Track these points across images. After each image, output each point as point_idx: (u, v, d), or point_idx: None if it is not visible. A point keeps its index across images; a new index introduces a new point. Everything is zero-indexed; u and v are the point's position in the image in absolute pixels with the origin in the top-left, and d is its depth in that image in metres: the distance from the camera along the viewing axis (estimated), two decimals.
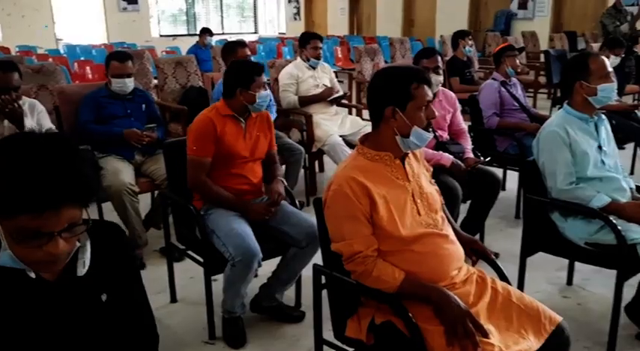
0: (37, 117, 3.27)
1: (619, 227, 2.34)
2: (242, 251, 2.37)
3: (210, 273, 2.52)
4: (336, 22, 17.70)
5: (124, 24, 17.67)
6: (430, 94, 1.82)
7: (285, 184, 2.81)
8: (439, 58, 3.44)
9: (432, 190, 1.94)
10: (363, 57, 6.76)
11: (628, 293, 2.55)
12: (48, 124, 3.32)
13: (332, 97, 4.69)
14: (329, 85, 4.81)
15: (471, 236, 2.08)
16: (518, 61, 4.25)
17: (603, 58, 2.56)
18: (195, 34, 19.39)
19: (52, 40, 16.67)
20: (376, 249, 1.76)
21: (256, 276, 3.11)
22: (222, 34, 20.01)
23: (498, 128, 4.06)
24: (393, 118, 1.79)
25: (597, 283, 3.05)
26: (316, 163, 4.98)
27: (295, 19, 19.34)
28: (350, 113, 5.17)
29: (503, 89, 4.12)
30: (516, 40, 8.76)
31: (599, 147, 2.57)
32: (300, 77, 4.70)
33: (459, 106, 3.60)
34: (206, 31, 8.41)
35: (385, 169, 1.82)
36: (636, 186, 2.68)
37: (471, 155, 3.41)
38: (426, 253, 1.78)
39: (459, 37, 5.90)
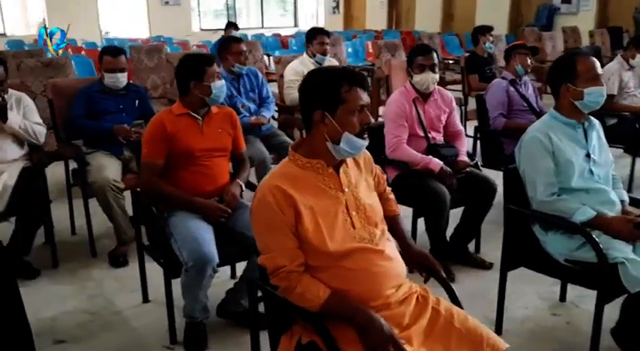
0: (24, 111, 3.28)
1: (601, 245, 2.15)
2: (195, 256, 2.29)
3: (170, 276, 2.45)
4: (374, 15, 17.45)
5: (166, 18, 17.91)
6: (365, 97, 1.67)
7: (244, 188, 2.72)
8: (435, 56, 3.26)
9: (372, 201, 1.79)
10: (382, 52, 6.59)
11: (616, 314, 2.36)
12: (35, 118, 3.32)
13: None
14: None
15: (422, 250, 1.93)
16: (529, 60, 4.02)
17: (593, 59, 2.35)
18: (236, 28, 19.63)
19: (97, 34, 17.06)
20: (302, 264, 1.64)
21: (234, 278, 3.06)
22: (262, 28, 20.10)
23: (505, 130, 3.85)
24: (323, 123, 1.66)
25: (592, 301, 2.81)
26: None
27: (334, 12, 19.18)
28: None
29: (512, 88, 3.91)
30: (551, 36, 8.36)
31: (588, 155, 2.37)
32: (305, 73, 4.56)
33: (455, 107, 3.41)
34: (231, 26, 8.38)
35: (317, 178, 1.69)
36: (630, 198, 2.46)
37: (465, 158, 3.23)
38: (357, 270, 1.65)
39: (478, 32, 5.65)
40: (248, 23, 20.62)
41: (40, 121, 3.36)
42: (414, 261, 1.90)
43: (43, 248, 3.42)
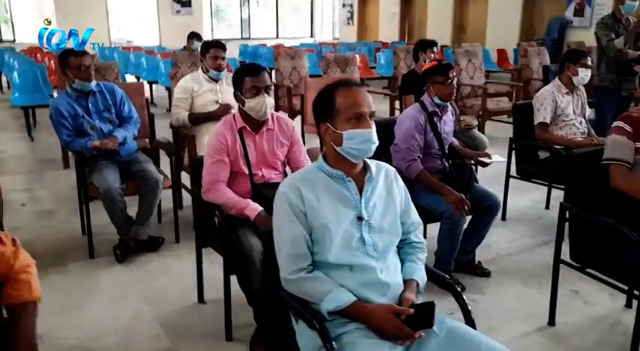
0: None
1: (348, 346, 1.55)
2: None
3: None
4: (387, 26, 16.87)
5: (177, 27, 17.77)
6: None
7: None
8: (267, 77, 2.71)
9: None
10: (331, 67, 6.03)
11: None
12: None
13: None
14: (233, 100, 4.14)
15: None
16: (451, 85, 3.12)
17: (360, 91, 1.73)
18: (249, 38, 19.39)
19: (107, 41, 17.09)
20: None
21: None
22: (277, 38, 19.77)
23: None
24: None
25: None
26: None
27: (348, 23, 18.71)
28: None
29: (421, 121, 3.15)
30: (539, 52, 7.58)
31: (360, 218, 1.76)
32: (195, 91, 4.07)
33: (299, 139, 2.82)
34: (194, 36, 7.97)
35: None
36: (429, 272, 1.84)
37: None
38: None
39: (419, 48, 4.97)
40: (261, 33, 20.36)
41: None
42: None
43: None
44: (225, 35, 19.78)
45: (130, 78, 10.47)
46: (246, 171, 2.66)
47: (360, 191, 1.78)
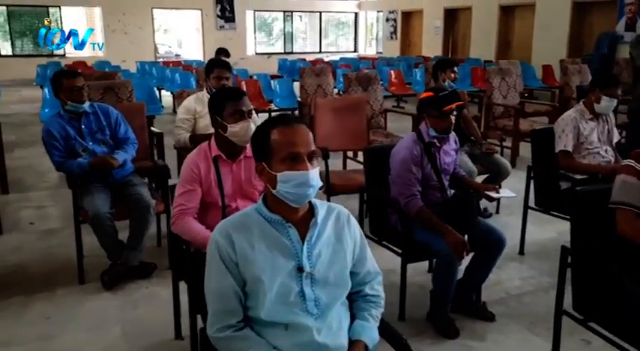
0: None
1: None
2: None
3: None
4: (430, 41, 16.55)
5: (220, 42, 18.06)
6: None
7: None
8: (248, 101, 2.56)
9: None
10: (352, 86, 5.83)
11: None
12: None
13: None
14: None
15: None
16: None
17: (299, 127, 1.54)
18: (291, 53, 19.45)
19: (152, 56, 17.51)
20: None
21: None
22: (320, 52, 19.76)
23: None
24: None
25: None
26: None
27: (392, 38, 18.48)
28: None
29: (416, 152, 2.93)
30: (581, 70, 7.17)
31: (300, 269, 1.56)
32: (199, 112, 3.98)
33: None
34: (221, 52, 7.95)
35: None
36: (385, 330, 1.62)
37: None
38: None
39: (439, 68, 4.74)
40: (306, 48, 20.41)
41: None
42: None
43: None
44: (269, 50, 19.95)
45: (165, 94, 10.56)
46: (220, 202, 2.50)
47: (304, 238, 1.58)
